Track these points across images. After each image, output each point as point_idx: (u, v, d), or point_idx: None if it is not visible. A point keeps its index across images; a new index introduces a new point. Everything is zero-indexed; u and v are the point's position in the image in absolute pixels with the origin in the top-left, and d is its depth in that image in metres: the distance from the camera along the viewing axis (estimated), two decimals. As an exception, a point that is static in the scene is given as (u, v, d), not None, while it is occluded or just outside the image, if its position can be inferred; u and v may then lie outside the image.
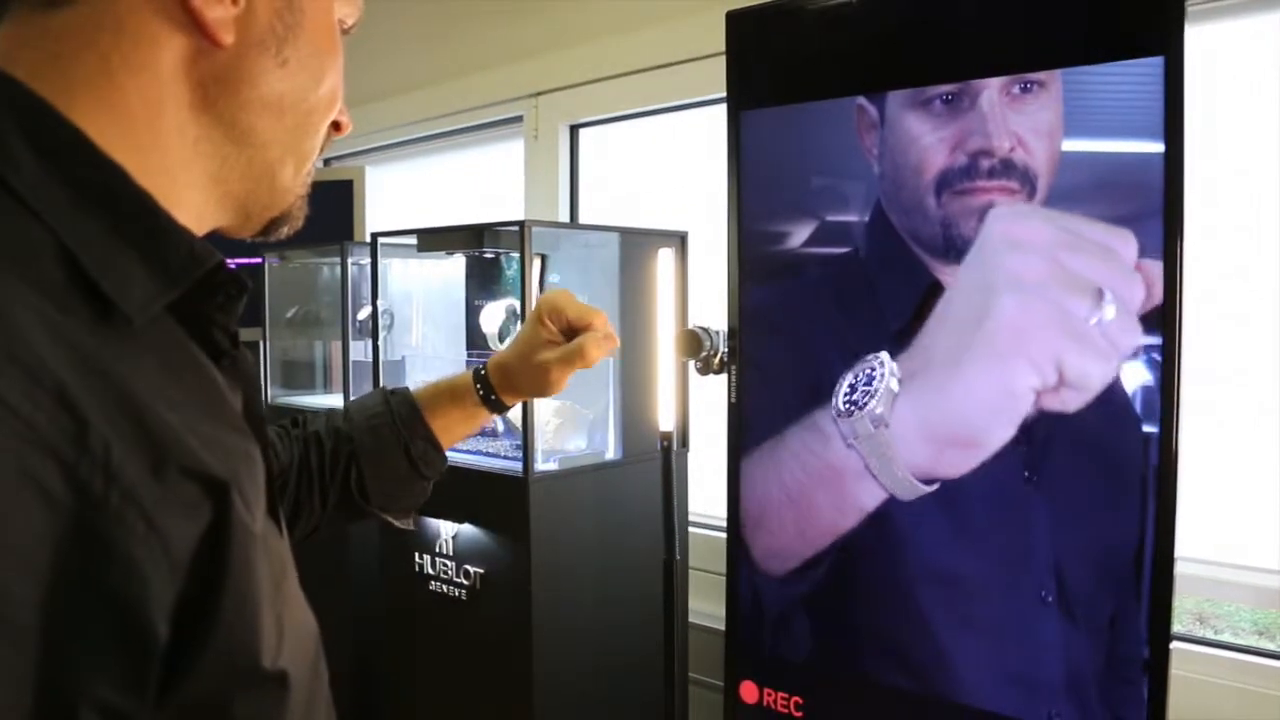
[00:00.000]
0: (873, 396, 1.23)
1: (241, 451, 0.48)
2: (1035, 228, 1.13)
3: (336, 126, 0.59)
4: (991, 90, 1.16)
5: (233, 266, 0.50)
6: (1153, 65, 1.06)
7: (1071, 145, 1.13)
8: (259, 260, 2.40)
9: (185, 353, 0.49)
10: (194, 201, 0.52)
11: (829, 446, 1.29)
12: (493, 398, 0.88)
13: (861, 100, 1.27)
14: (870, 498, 1.26)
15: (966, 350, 1.16)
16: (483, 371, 0.89)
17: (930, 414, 1.20)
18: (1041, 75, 1.13)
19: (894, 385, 1.22)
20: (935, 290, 1.22)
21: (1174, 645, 1.10)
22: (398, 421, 0.84)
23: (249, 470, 0.47)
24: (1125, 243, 1.08)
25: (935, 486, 1.21)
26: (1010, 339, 1.13)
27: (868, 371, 1.25)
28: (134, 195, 0.46)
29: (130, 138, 0.47)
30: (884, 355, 1.25)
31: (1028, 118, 1.14)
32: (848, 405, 1.26)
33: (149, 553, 0.39)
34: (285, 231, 0.59)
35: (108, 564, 0.38)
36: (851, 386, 1.27)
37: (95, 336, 0.42)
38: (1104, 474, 1.12)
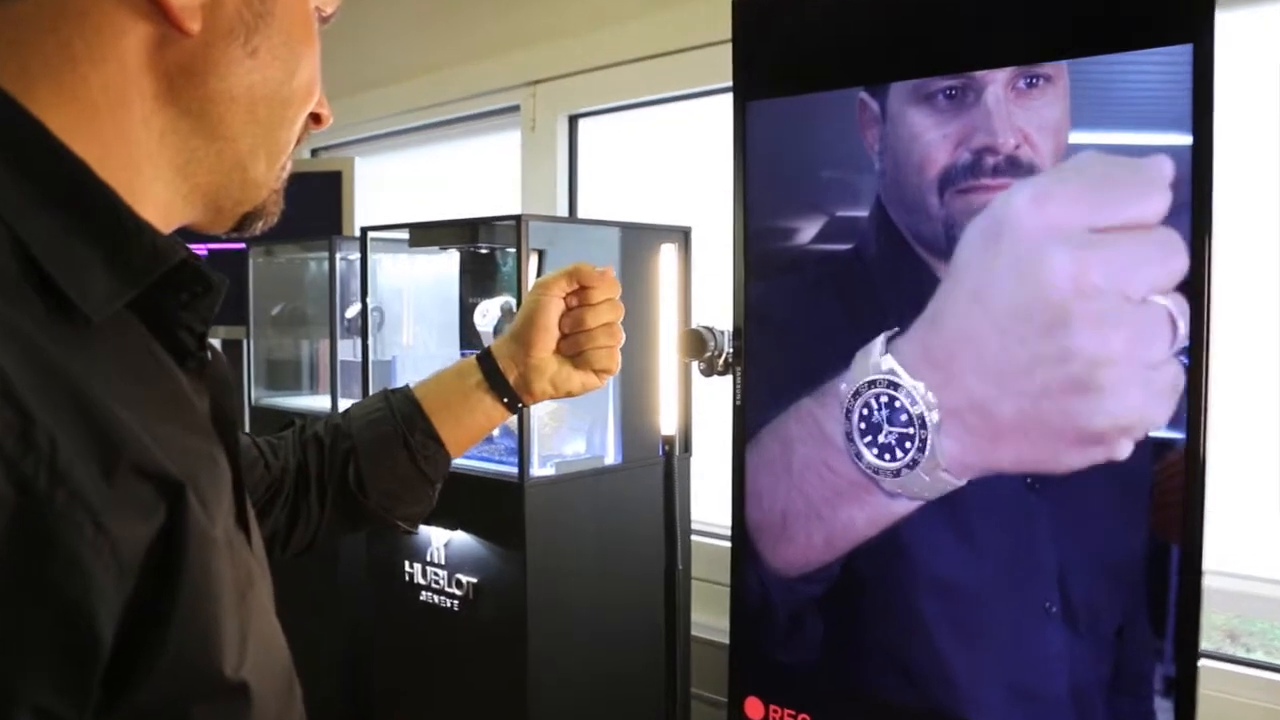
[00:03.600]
0: (922, 450, 1.20)
1: (204, 454, 0.48)
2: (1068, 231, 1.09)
3: (316, 119, 0.58)
4: (997, 85, 1.15)
5: (206, 253, 0.46)
6: (1180, 54, 1.04)
7: (1086, 138, 1.10)
8: (243, 247, 2.38)
9: (146, 353, 0.48)
10: (161, 196, 0.51)
11: (859, 472, 1.27)
12: (484, 352, 0.85)
13: (863, 95, 1.25)
14: (906, 510, 1.25)
15: (1056, 416, 1.11)
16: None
17: (1003, 460, 1.16)
18: (1049, 69, 1.12)
19: (934, 419, 1.19)
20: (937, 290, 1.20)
21: (1202, 663, 1.07)
22: (397, 416, 0.83)
23: (210, 474, 0.47)
24: (1157, 197, 1.05)
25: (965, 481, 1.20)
26: (1106, 421, 1.09)
27: (884, 400, 1.22)
28: (95, 189, 0.46)
29: (93, 130, 0.47)
30: (893, 366, 1.21)
31: (1034, 113, 1.13)
32: (889, 460, 1.22)
33: (96, 554, 0.39)
34: (260, 227, 0.58)
35: (50, 565, 0.38)
36: (867, 421, 1.23)
37: (48, 333, 0.41)
38: (1108, 482, 1.10)
